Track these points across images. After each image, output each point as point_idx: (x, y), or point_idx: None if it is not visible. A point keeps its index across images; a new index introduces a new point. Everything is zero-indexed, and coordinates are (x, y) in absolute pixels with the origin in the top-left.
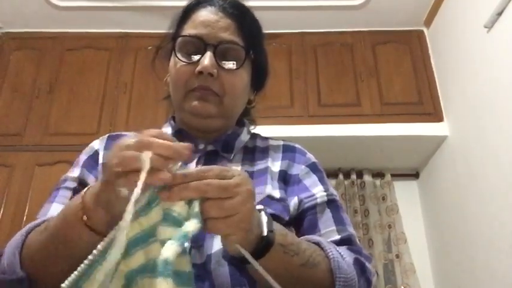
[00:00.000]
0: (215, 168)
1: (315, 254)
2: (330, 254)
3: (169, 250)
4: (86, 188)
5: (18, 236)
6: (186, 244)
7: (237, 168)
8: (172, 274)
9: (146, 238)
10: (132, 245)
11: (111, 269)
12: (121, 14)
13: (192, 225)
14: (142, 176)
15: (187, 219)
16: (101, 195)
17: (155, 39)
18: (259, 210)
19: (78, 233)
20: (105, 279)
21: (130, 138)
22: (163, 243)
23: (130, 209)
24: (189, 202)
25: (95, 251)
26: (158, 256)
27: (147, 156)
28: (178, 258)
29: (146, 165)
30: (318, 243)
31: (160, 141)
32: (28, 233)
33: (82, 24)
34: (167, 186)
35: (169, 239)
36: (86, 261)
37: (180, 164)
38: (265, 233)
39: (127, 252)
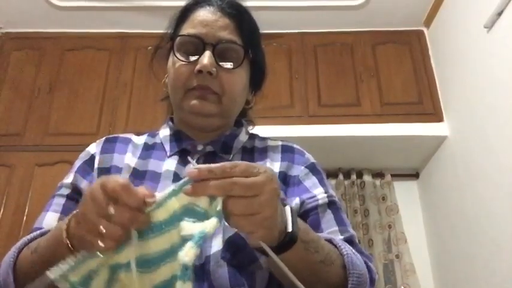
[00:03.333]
0: (241, 164)
1: (331, 251)
2: (344, 250)
3: (187, 254)
4: (71, 214)
5: (11, 253)
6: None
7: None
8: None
9: (171, 222)
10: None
11: (99, 262)
12: (121, 14)
13: (210, 224)
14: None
15: (209, 216)
16: (77, 233)
17: (155, 39)
18: (284, 205)
19: (64, 257)
20: (92, 270)
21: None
22: (185, 239)
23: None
24: (212, 198)
25: (83, 253)
26: (150, 252)
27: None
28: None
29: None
30: (329, 240)
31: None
32: (20, 249)
33: (82, 24)
34: (192, 181)
35: (191, 235)
36: (78, 257)
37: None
38: (290, 229)
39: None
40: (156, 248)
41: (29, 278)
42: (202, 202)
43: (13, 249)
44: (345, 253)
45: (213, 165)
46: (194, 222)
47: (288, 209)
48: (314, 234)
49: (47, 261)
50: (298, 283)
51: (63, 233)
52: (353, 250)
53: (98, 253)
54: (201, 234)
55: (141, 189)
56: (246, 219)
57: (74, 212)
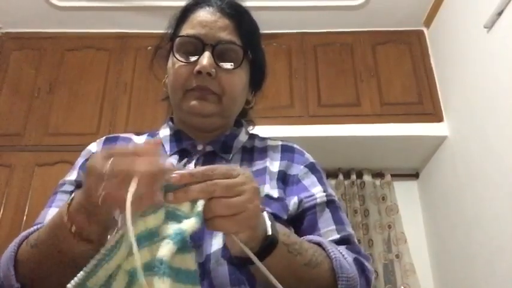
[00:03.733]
0: (220, 167)
1: (317, 253)
2: (332, 254)
3: (164, 249)
4: (69, 198)
5: (11, 247)
6: (189, 242)
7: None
8: (177, 272)
9: (151, 237)
10: (138, 243)
11: (115, 267)
12: (121, 14)
13: (189, 224)
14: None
15: (189, 218)
16: (86, 204)
17: (155, 39)
18: (261, 211)
19: (69, 244)
20: (109, 277)
21: (119, 156)
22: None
23: (129, 216)
24: (193, 202)
25: (102, 250)
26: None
27: (133, 186)
28: (181, 256)
29: (129, 198)
30: (318, 244)
31: (148, 163)
32: (20, 243)
33: (82, 24)
34: (173, 186)
35: (169, 234)
36: (93, 261)
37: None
38: (269, 232)
39: (132, 251)
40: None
41: (31, 271)
42: (184, 206)
43: (13, 243)
44: (333, 256)
45: (193, 169)
46: (173, 225)
47: (265, 213)
48: (295, 237)
49: (48, 250)
50: (280, 286)
51: (63, 217)
52: (343, 253)
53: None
54: (178, 231)
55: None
56: (230, 219)
57: (70, 201)
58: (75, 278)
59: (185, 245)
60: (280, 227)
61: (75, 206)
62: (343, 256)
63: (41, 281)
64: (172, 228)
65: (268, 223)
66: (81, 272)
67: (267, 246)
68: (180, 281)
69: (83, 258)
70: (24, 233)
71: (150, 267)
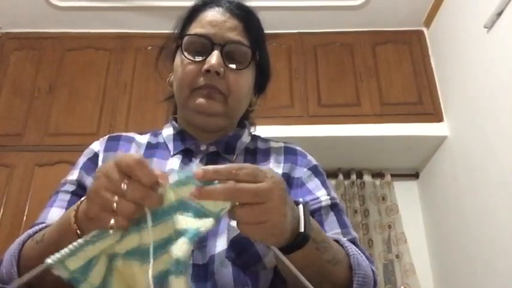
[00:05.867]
0: (248, 167)
1: (338, 251)
2: (350, 251)
3: (181, 249)
4: (80, 200)
5: (15, 245)
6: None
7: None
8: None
9: (139, 222)
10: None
11: (99, 252)
12: (121, 14)
13: (206, 224)
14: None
15: (207, 214)
16: (89, 212)
17: (155, 39)
18: (297, 204)
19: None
20: (90, 260)
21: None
22: (178, 233)
23: None
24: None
25: (92, 233)
26: (150, 242)
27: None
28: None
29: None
30: (336, 241)
31: (140, 172)
32: (25, 241)
33: (82, 24)
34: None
35: (185, 229)
36: (79, 241)
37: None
38: (302, 229)
39: (121, 236)
40: (153, 237)
41: (33, 267)
42: (206, 202)
43: (17, 241)
44: (351, 253)
45: (219, 166)
46: (189, 217)
47: (300, 208)
48: (325, 234)
49: (53, 250)
50: (307, 283)
51: (71, 219)
52: (358, 251)
53: (110, 231)
54: (196, 231)
55: (156, 169)
56: (255, 227)
57: (80, 202)
58: (56, 254)
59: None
60: (313, 223)
61: (81, 210)
62: (359, 254)
63: (41, 278)
64: (187, 220)
65: (302, 219)
66: (65, 249)
67: (298, 243)
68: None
69: None
70: (29, 231)
71: (136, 252)
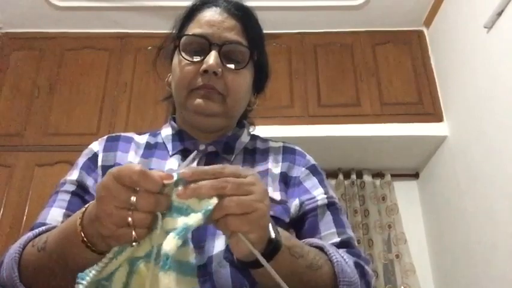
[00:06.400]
0: (230, 166)
1: (317, 256)
2: (334, 257)
3: (169, 244)
4: (85, 207)
5: (15, 248)
6: (188, 235)
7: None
8: (179, 265)
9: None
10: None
11: (125, 259)
12: (121, 14)
13: (194, 219)
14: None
15: (195, 213)
16: (104, 232)
17: (155, 39)
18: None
19: (78, 252)
20: (116, 268)
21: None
22: (168, 233)
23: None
24: (203, 197)
25: (114, 249)
26: (160, 243)
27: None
28: (182, 249)
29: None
30: (320, 247)
31: (146, 183)
32: (25, 244)
33: (82, 24)
34: (183, 180)
35: (174, 228)
36: (104, 261)
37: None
38: (272, 235)
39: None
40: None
41: (36, 274)
42: (191, 201)
43: (17, 244)
44: (335, 260)
45: (204, 167)
46: (177, 218)
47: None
48: (296, 240)
49: (57, 255)
50: None
51: (79, 235)
52: (344, 257)
53: (134, 244)
54: (184, 226)
55: (157, 172)
56: (242, 218)
57: (84, 211)
58: (86, 277)
59: (185, 238)
60: (281, 231)
61: (86, 217)
62: (345, 260)
63: (43, 283)
64: (177, 221)
65: (271, 226)
66: (92, 271)
67: (271, 250)
68: (181, 274)
69: (90, 265)
70: (29, 234)
71: (150, 255)
